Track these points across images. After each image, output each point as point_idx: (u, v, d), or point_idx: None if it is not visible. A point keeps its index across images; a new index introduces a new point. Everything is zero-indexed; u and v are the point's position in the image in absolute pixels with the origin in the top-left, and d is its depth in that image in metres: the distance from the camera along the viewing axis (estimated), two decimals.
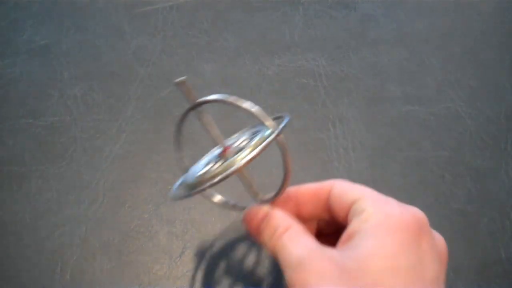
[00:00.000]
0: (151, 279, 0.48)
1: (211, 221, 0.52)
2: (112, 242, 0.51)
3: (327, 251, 0.26)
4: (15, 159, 0.58)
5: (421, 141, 0.60)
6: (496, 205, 0.54)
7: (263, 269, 0.49)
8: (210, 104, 0.31)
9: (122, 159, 0.58)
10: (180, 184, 0.33)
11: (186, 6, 0.78)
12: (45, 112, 0.63)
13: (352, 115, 0.63)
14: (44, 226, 0.52)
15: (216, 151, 0.34)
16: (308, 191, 0.33)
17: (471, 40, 0.73)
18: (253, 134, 0.32)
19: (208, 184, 0.28)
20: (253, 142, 0.29)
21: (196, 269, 0.49)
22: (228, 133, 0.38)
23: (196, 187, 0.29)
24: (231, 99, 0.29)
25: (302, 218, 0.32)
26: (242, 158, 0.28)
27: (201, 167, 0.32)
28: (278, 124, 0.30)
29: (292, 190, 0.34)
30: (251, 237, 0.33)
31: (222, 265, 0.49)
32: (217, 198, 0.39)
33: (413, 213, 0.27)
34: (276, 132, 0.29)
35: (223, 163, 0.29)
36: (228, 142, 0.34)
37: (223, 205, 0.38)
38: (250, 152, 0.28)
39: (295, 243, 0.28)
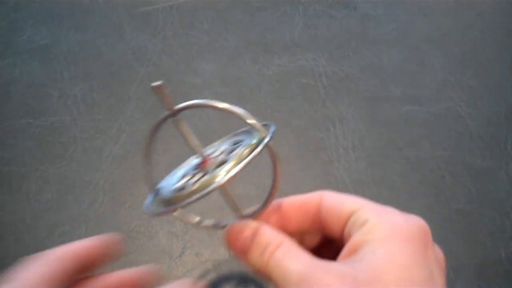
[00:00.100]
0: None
1: None
2: None
3: (332, 264, 0.25)
4: (15, 159, 0.58)
5: (421, 141, 0.60)
6: (496, 205, 0.54)
7: None
8: (189, 111, 0.28)
9: (122, 159, 0.58)
10: (154, 198, 0.29)
11: (186, 6, 0.78)
12: (45, 112, 0.63)
13: (352, 115, 0.63)
14: (44, 226, 0.52)
15: (194, 161, 0.31)
16: (293, 204, 0.30)
17: (471, 40, 0.73)
18: (235, 144, 0.29)
19: (186, 201, 0.24)
20: (239, 152, 0.26)
21: (196, 269, 0.49)
22: (205, 143, 0.34)
23: (173, 203, 0.26)
24: (213, 102, 0.27)
25: (287, 233, 0.29)
26: (226, 172, 0.25)
27: (177, 179, 0.29)
28: (266, 129, 0.27)
29: (275, 203, 0.31)
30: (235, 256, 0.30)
31: (222, 265, 0.49)
32: (194, 218, 0.33)
33: (417, 223, 0.27)
34: (267, 139, 0.26)
35: (202, 176, 0.27)
36: (207, 151, 0.30)
37: (200, 224, 0.32)
38: (235, 164, 0.25)
39: (292, 258, 0.26)
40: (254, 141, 0.26)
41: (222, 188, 0.26)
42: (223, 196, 0.28)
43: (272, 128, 0.27)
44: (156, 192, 0.29)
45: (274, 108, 0.63)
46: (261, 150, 0.25)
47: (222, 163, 0.27)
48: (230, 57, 0.70)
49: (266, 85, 0.66)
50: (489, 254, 0.51)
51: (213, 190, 0.24)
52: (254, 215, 0.29)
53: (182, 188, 0.27)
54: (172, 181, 0.30)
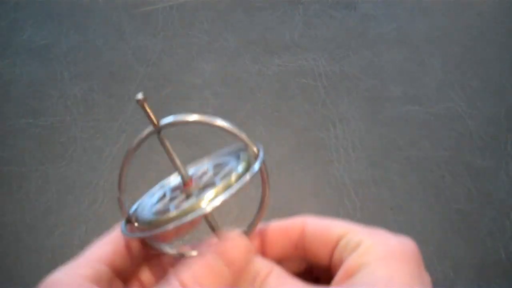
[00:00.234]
0: None
1: None
2: None
3: None
4: (15, 159, 0.58)
5: (421, 141, 0.60)
6: (496, 205, 0.54)
7: None
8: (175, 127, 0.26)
9: (122, 159, 0.58)
10: (133, 215, 0.27)
11: (186, 6, 0.78)
12: (45, 112, 0.63)
13: (352, 115, 0.63)
14: (44, 226, 0.52)
15: (174, 180, 0.29)
16: (275, 229, 0.29)
17: (471, 40, 0.73)
18: (220, 166, 0.27)
19: (169, 225, 0.23)
20: (226, 178, 0.24)
21: None
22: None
23: (153, 226, 0.24)
24: (202, 118, 0.25)
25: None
26: (211, 199, 0.23)
27: (156, 199, 0.28)
28: (255, 147, 0.25)
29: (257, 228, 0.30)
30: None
31: None
32: (170, 248, 0.28)
33: (410, 243, 0.26)
34: (257, 166, 0.24)
35: (185, 198, 0.26)
36: (191, 170, 0.28)
37: (178, 253, 0.28)
38: (222, 190, 0.23)
39: (285, 285, 0.25)
40: (241, 166, 0.25)
41: (208, 215, 0.25)
42: (206, 221, 0.26)
43: (261, 154, 0.25)
44: (132, 214, 0.27)
45: (274, 108, 0.63)
46: (249, 178, 0.24)
47: (206, 185, 0.25)
48: (230, 57, 0.70)
49: (266, 85, 0.66)
50: (489, 254, 0.51)
51: (197, 217, 0.23)
52: None
53: (163, 211, 0.25)
54: (152, 200, 0.28)
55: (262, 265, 0.26)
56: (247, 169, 0.25)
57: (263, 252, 0.29)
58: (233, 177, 0.24)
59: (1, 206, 0.54)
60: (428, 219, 0.54)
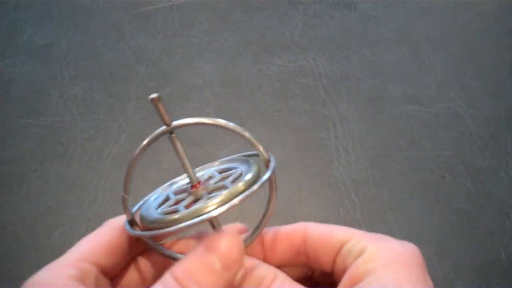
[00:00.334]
0: None
1: None
2: None
3: None
4: (15, 159, 0.58)
5: (421, 141, 0.60)
6: (496, 205, 0.54)
7: None
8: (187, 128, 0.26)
9: (122, 159, 0.58)
10: (135, 214, 0.27)
11: (186, 6, 0.78)
12: (45, 112, 0.63)
13: (352, 115, 0.63)
14: (44, 226, 0.52)
15: (181, 181, 0.29)
16: (277, 235, 0.29)
17: (471, 40, 0.73)
18: (229, 171, 0.28)
19: (176, 227, 0.23)
20: (235, 183, 0.25)
21: None
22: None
23: (159, 226, 0.24)
24: (214, 120, 0.25)
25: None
26: (219, 204, 0.23)
27: (162, 199, 0.28)
28: (269, 158, 0.25)
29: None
30: None
31: None
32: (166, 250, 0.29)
33: (413, 248, 0.26)
34: (267, 176, 0.24)
35: (192, 200, 0.26)
36: (199, 173, 0.29)
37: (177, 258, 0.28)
38: (230, 197, 0.24)
39: None
40: (252, 173, 0.25)
41: (215, 219, 0.25)
42: (210, 223, 0.26)
43: (273, 163, 0.25)
44: (136, 213, 0.27)
45: (274, 108, 0.63)
46: (259, 187, 0.24)
47: (214, 189, 0.26)
48: (230, 57, 0.70)
49: (266, 85, 0.66)
50: (489, 254, 0.51)
51: (204, 220, 0.23)
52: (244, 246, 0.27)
53: (170, 212, 0.25)
54: (158, 201, 0.28)
55: (267, 271, 0.26)
56: (257, 176, 0.25)
57: (265, 257, 0.29)
58: (242, 183, 0.24)
59: (1, 206, 0.54)
60: (428, 219, 0.54)
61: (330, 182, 0.57)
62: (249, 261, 0.27)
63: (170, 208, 0.26)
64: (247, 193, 0.23)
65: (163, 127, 0.25)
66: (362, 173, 0.57)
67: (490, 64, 0.70)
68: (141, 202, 0.29)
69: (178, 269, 0.23)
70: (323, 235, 0.27)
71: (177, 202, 0.27)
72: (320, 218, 0.55)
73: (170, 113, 0.25)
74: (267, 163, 0.26)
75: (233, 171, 0.27)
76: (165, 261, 0.27)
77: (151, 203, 0.28)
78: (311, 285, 0.27)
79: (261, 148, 0.26)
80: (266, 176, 0.24)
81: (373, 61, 0.70)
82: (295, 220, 0.28)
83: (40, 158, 0.58)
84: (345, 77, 0.68)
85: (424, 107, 0.64)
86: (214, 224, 0.26)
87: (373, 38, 0.73)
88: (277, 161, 0.26)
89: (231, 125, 0.25)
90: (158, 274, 0.27)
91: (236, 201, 0.23)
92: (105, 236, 0.27)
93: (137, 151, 0.26)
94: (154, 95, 0.24)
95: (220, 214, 0.23)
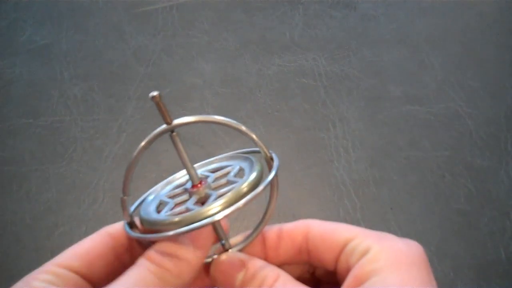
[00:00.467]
0: None
1: None
2: None
3: None
4: (15, 159, 0.58)
5: (421, 141, 0.60)
6: (496, 205, 0.54)
7: None
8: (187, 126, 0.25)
9: (122, 159, 0.58)
10: (134, 211, 0.27)
11: (186, 6, 0.78)
12: (45, 112, 0.63)
13: (352, 115, 0.63)
14: (44, 226, 0.52)
15: (180, 180, 0.29)
16: (279, 233, 0.29)
17: (471, 40, 0.73)
18: (230, 169, 0.27)
19: (177, 232, 0.22)
20: (237, 186, 0.24)
21: None
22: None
23: (159, 229, 0.24)
24: (215, 118, 0.24)
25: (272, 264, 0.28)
26: (223, 208, 0.23)
27: (161, 197, 0.28)
28: (272, 158, 0.25)
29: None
30: None
31: None
32: None
33: (417, 247, 0.26)
34: (271, 176, 0.24)
35: (194, 200, 0.25)
36: (199, 170, 0.28)
37: None
38: (234, 200, 0.23)
39: None
40: (254, 174, 0.24)
41: (217, 222, 0.24)
42: (213, 227, 0.26)
43: (276, 163, 0.25)
44: (134, 213, 0.27)
45: (274, 108, 0.63)
46: (264, 188, 0.23)
47: (215, 188, 0.25)
48: (230, 57, 0.70)
49: (266, 85, 0.66)
50: (489, 254, 0.51)
51: (207, 224, 0.22)
52: (243, 246, 0.27)
53: (172, 215, 0.25)
54: (157, 199, 0.28)
55: (269, 270, 0.26)
56: (260, 176, 0.25)
57: (267, 256, 0.28)
58: (246, 185, 0.24)
59: (1, 206, 0.54)
60: (428, 219, 0.54)
61: (330, 182, 0.57)
62: (251, 261, 0.26)
63: (169, 210, 0.26)
64: (252, 195, 0.23)
65: (164, 126, 0.25)
66: (362, 173, 0.57)
67: (490, 64, 0.70)
68: (138, 202, 0.29)
69: (150, 250, 0.24)
70: (326, 233, 0.27)
71: (177, 202, 0.27)
72: (320, 218, 0.54)
73: (170, 113, 0.24)
74: (269, 161, 0.25)
75: (230, 168, 0.27)
76: None
77: (150, 203, 0.28)
78: (312, 282, 0.27)
79: (263, 146, 0.25)
80: (270, 176, 0.24)
81: (373, 61, 0.70)
82: (295, 219, 0.28)
83: (40, 158, 0.58)
84: (345, 77, 0.68)
85: (424, 107, 0.64)
86: (216, 227, 0.26)
87: (373, 38, 0.73)
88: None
89: (232, 122, 0.25)
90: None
91: (240, 204, 0.23)
92: (90, 244, 0.26)
93: (137, 151, 0.25)
94: (155, 93, 0.23)
95: (223, 218, 0.22)
